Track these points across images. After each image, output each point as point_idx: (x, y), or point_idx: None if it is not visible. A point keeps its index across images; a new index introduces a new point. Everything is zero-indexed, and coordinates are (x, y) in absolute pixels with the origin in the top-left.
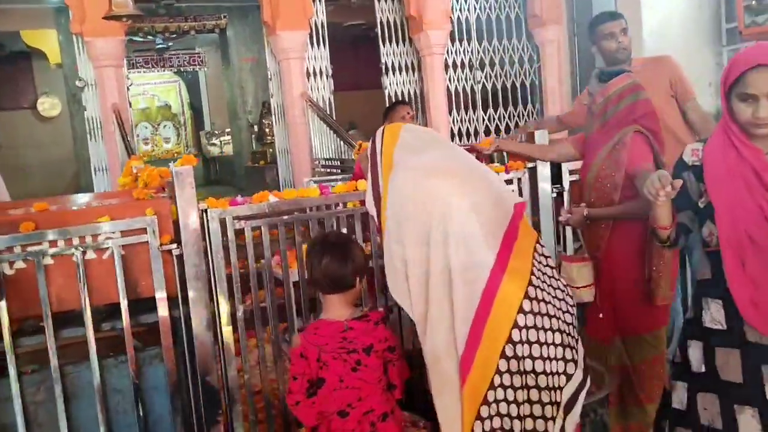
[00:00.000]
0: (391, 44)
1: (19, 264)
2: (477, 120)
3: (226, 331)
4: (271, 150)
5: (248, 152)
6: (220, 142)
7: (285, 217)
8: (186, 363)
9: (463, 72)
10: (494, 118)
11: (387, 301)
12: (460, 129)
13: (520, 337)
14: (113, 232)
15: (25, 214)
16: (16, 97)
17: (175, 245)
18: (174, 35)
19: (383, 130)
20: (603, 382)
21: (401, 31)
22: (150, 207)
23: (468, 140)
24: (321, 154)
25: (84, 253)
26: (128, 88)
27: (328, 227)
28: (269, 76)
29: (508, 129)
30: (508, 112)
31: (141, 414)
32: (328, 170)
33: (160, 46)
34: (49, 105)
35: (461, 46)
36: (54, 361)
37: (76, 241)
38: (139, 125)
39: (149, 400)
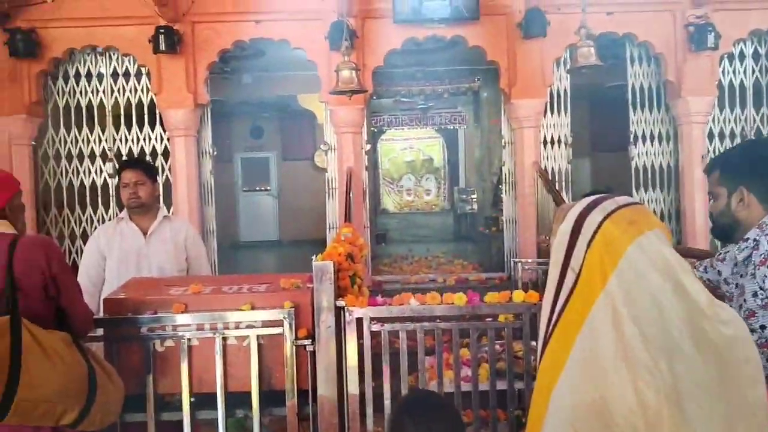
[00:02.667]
0: (642, 111)
1: (169, 342)
2: None
3: None
4: (502, 217)
5: (485, 216)
6: (470, 199)
7: (426, 324)
8: None
9: (732, 142)
10: None
11: None
12: None
13: None
14: (255, 321)
15: (180, 295)
16: (299, 149)
17: (309, 341)
18: (432, 96)
19: (604, 219)
20: None
21: (656, 96)
22: (289, 299)
23: None
24: (546, 230)
25: (224, 339)
26: (367, 148)
27: (473, 340)
28: (503, 144)
29: None
30: None
31: None
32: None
33: (422, 106)
34: (323, 157)
35: (731, 113)
36: None
37: (220, 326)
38: (404, 177)
39: None
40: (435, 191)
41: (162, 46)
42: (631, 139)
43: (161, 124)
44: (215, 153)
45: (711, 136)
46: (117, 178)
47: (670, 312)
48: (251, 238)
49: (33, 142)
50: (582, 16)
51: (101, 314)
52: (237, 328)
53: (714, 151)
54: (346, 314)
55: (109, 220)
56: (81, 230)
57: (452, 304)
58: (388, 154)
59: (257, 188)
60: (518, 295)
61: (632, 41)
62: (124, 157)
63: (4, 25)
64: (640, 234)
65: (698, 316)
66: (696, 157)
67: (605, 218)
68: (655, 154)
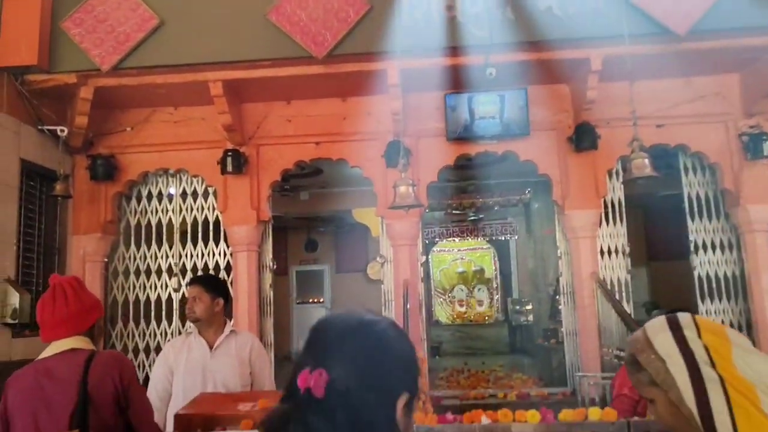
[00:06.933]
0: (701, 220)
1: None
2: None
3: None
4: (561, 329)
5: (543, 327)
6: (525, 310)
7: None
8: None
9: None
10: None
11: None
12: None
13: None
14: None
15: (249, 411)
16: (353, 261)
17: None
18: (483, 208)
19: (695, 323)
20: None
21: (714, 205)
22: None
23: None
24: (612, 340)
25: None
26: (422, 260)
27: None
28: (559, 255)
29: None
30: None
31: None
32: (620, 361)
33: (473, 217)
34: (376, 269)
35: None
36: None
37: None
38: (455, 288)
39: None
40: (487, 302)
41: (229, 168)
42: (692, 248)
43: (225, 240)
44: (275, 267)
45: None
46: (180, 290)
47: None
48: None
49: (105, 259)
50: (633, 129)
51: (169, 430)
52: None
53: None
54: None
55: (171, 334)
56: (144, 344)
57: (526, 422)
58: (440, 266)
59: (311, 300)
60: (594, 413)
61: (685, 152)
62: (189, 272)
63: (87, 151)
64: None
65: None
66: (763, 265)
67: (698, 330)
68: (718, 263)
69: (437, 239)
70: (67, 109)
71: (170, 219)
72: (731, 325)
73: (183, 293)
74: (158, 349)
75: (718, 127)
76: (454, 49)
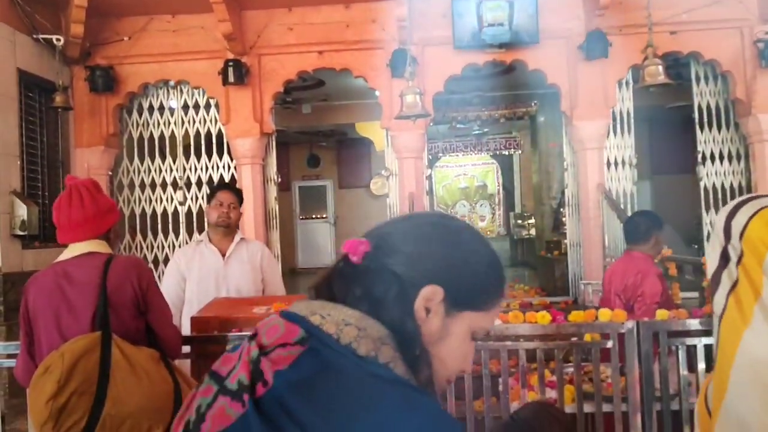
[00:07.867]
0: (711, 130)
1: None
2: None
3: None
4: (564, 241)
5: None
6: (527, 224)
7: (509, 343)
8: None
9: None
10: None
11: None
12: None
13: None
14: None
15: (264, 313)
16: (356, 176)
17: None
18: (488, 122)
19: (759, 210)
20: None
21: (724, 115)
22: None
23: None
24: (617, 251)
25: None
26: (428, 173)
27: (558, 360)
28: (565, 166)
29: None
30: None
31: None
32: None
33: (477, 132)
34: (380, 185)
35: None
36: None
37: None
38: (458, 203)
39: None
40: (489, 217)
41: (231, 78)
42: (699, 159)
43: (228, 152)
44: (279, 180)
45: None
46: (186, 203)
47: None
48: (308, 265)
49: (109, 172)
50: (648, 35)
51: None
52: None
53: None
54: None
55: (179, 246)
56: (153, 256)
57: (536, 323)
58: (442, 181)
59: (314, 216)
60: (604, 314)
61: (698, 60)
62: (194, 185)
63: (85, 62)
64: None
65: None
66: None
67: (749, 219)
68: (725, 173)
69: (440, 154)
70: (61, 17)
71: (173, 132)
72: None
73: (189, 206)
74: (166, 261)
75: (734, 34)
76: None
